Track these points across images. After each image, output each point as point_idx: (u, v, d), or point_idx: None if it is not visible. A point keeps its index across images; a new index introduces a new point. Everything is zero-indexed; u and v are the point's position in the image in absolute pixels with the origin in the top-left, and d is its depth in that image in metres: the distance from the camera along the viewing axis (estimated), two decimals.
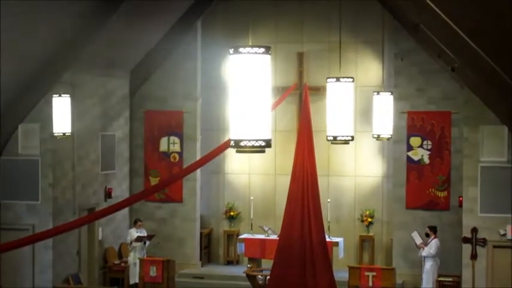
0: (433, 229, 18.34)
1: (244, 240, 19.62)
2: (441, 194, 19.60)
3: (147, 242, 19.73)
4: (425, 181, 19.65)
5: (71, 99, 16.82)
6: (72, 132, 17.14)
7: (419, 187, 19.68)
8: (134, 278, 19.22)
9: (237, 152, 6.77)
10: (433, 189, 19.63)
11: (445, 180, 19.55)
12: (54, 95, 16.65)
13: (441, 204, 19.59)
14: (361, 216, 20.99)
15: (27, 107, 17.74)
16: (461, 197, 17.86)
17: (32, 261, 18.05)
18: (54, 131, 16.67)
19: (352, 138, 13.85)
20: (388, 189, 20.75)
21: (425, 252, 18.16)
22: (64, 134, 16.68)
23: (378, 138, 16.99)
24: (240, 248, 19.76)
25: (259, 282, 17.79)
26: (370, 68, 21.03)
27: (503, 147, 17.07)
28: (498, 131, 16.94)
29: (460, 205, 18.09)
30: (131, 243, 19.64)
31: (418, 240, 18.39)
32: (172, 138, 21.47)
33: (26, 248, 17.06)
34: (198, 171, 20.59)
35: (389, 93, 17.28)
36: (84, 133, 19.10)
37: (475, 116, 17.23)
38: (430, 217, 19.41)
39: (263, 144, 6.61)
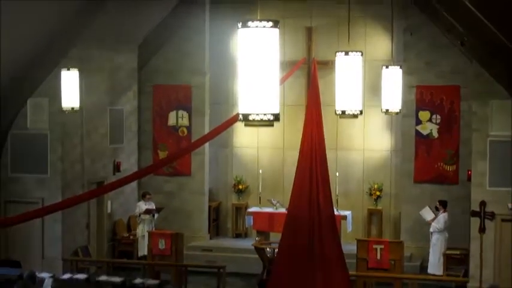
0: (443, 203, 18.37)
1: (253, 213, 19.68)
2: (450, 168, 19.61)
3: (156, 215, 19.82)
4: (433, 155, 19.65)
5: (79, 73, 16.81)
6: (80, 107, 17.15)
7: (428, 161, 19.68)
8: (143, 251, 19.34)
9: (246, 125, 6.81)
10: (442, 163, 19.64)
11: (453, 154, 19.55)
12: (62, 69, 16.65)
13: (450, 178, 19.60)
14: (370, 190, 21.03)
15: (36, 81, 17.74)
16: (470, 170, 17.85)
17: (42, 234, 18.18)
18: (62, 106, 16.69)
19: (361, 113, 13.82)
20: (397, 163, 20.76)
21: (432, 227, 18.20)
22: (73, 108, 16.68)
23: (387, 112, 16.95)
24: (249, 221, 19.84)
25: (268, 255, 17.86)
26: (379, 42, 20.95)
27: None
28: (507, 105, 16.86)
29: (469, 179, 18.08)
30: (140, 216, 19.75)
31: (430, 216, 18.41)
32: (180, 112, 21.48)
33: (36, 221, 17.16)
34: (207, 145, 20.62)
35: (399, 67, 17.23)
36: (92, 107, 19.12)
37: (484, 90, 17.16)
38: (439, 191, 19.43)
39: (271, 118, 6.62)
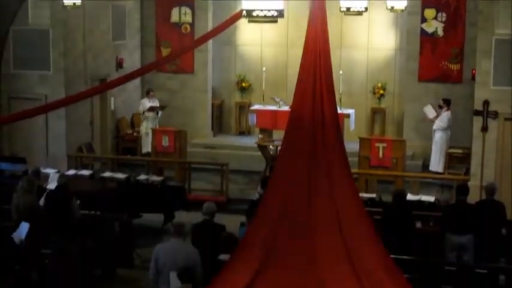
0: (447, 101, 18.36)
1: (256, 111, 19.66)
2: (454, 67, 19.51)
3: (160, 112, 19.87)
4: (438, 53, 19.51)
5: None
6: (82, 2, 16.95)
7: (432, 60, 19.55)
8: (146, 148, 19.47)
9: (249, 22, 6.73)
10: (446, 62, 19.52)
11: (458, 52, 19.41)
12: None
13: (454, 76, 19.52)
14: (373, 88, 20.99)
15: None
16: (474, 69, 17.75)
17: (46, 131, 18.25)
18: (64, 1, 16.49)
19: (366, 10, 13.70)
20: (401, 62, 20.64)
21: (436, 125, 18.25)
22: (74, 3, 16.50)
23: (392, 9, 16.78)
24: (252, 119, 19.84)
25: (271, 152, 17.98)
26: None
27: None
28: None
29: (473, 78, 18.01)
30: (144, 113, 19.80)
31: (432, 114, 18.43)
32: (183, 8, 21.22)
33: (39, 118, 17.24)
34: (210, 42, 20.44)
35: None
36: (94, 3, 18.88)
37: None
38: (443, 90, 19.37)
39: (275, 14, 6.57)
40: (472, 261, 11.55)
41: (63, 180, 12.63)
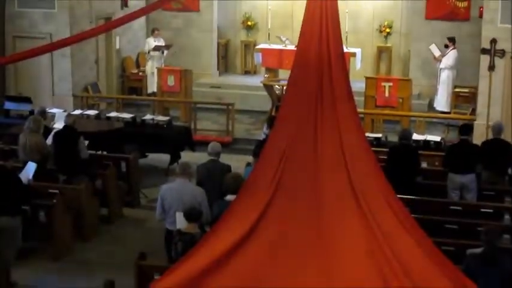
0: (452, 40, 18.22)
1: (262, 50, 19.56)
2: (461, 5, 19.31)
3: (165, 52, 19.78)
4: None
5: None
6: None
7: None
8: (152, 87, 19.45)
9: None
10: (454, 0, 19.34)
11: None
12: None
13: (461, 14, 19.34)
14: (380, 27, 20.82)
15: None
16: (482, 7, 17.57)
17: (51, 71, 18.19)
18: None
19: None
20: None
21: (443, 63, 18.15)
22: None
23: None
24: (257, 58, 19.75)
25: (276, 92, 17.93)
26: None
27: None
28: None
29: (481, 16, 17.83)
30: (149, 52, 19.72)
31: (437, 53, 18.32)
32: None
33: (44, 58, 17.17)
34: None
35: None
36: None
37: None
38: (450, 28, 19.20)
39: None
40: (475, 200, 11.60)
41: (71, 120, 12.63)
